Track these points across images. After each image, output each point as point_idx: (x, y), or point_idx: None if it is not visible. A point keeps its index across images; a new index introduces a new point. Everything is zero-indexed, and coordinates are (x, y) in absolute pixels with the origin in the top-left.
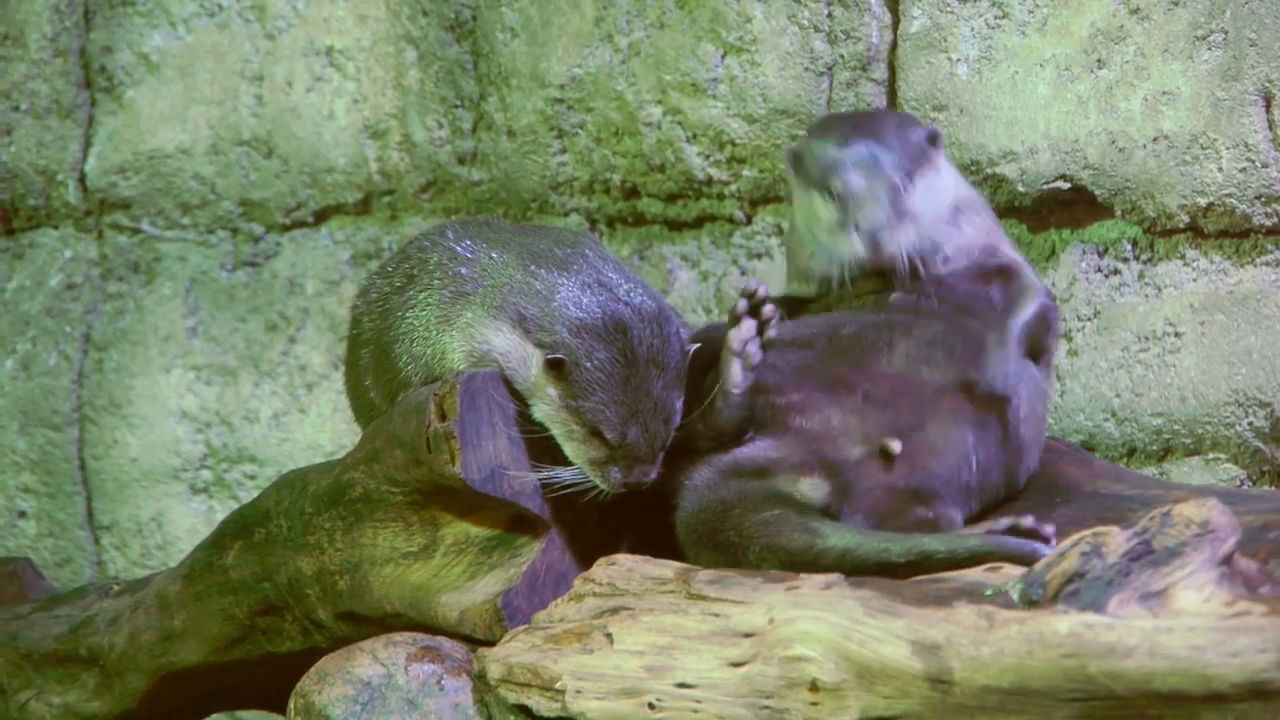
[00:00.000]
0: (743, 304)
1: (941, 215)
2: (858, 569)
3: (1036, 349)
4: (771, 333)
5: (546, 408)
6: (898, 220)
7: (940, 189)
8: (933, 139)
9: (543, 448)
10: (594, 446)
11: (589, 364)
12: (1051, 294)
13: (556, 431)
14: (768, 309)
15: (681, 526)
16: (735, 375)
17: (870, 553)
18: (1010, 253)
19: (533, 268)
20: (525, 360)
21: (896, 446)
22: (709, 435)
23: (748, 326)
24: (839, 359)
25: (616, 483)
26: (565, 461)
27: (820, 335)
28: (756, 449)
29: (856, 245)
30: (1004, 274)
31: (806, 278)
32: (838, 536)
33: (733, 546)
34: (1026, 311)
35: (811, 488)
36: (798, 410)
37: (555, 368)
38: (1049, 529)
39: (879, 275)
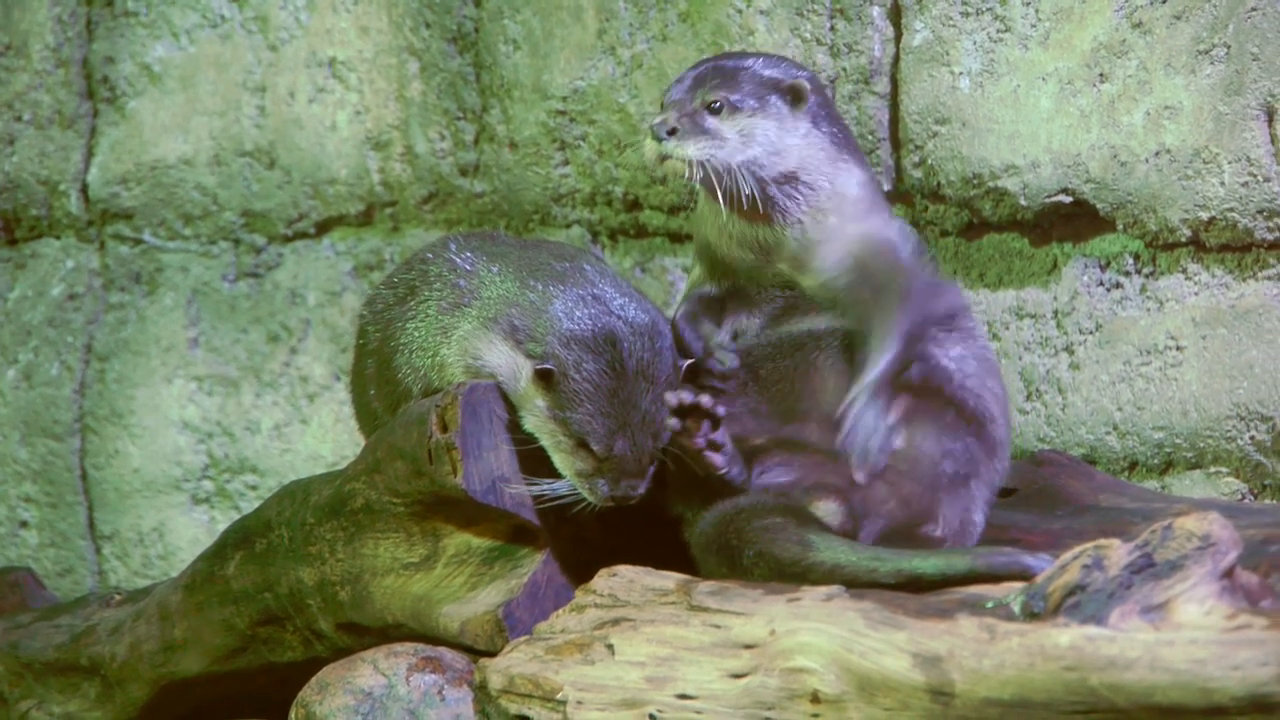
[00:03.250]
0: (674, 423)
1: (773, 168)
2: (847, 585)
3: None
4: (720, 410)
5: (535, 419)
6: (691, 131)
7: (775, 144)
8: (794, 94)
9: (541, 459)
10: (581, 458)
11: (577, 375)
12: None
13: (545, 443)
14: (705, 400)
15: (696, 536)
16: (717, 463)
17: (859, 571)
18: (885, 233)
19: (529, 280)
20: (516, 371)
21: (859, 477)
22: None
23: (702, 430)
24: (780, 396)
25: (604, 495)
26: (559, 474)
27: (748, 380)
28: (772, 475)
29: (647, 146)
30: (878, 266)
31: (700, 255)
32: (829, 551)
33: (731, 550)
34: (893, 329)
35: (826, 513)
36: (787, 444)
37: (544, 378)
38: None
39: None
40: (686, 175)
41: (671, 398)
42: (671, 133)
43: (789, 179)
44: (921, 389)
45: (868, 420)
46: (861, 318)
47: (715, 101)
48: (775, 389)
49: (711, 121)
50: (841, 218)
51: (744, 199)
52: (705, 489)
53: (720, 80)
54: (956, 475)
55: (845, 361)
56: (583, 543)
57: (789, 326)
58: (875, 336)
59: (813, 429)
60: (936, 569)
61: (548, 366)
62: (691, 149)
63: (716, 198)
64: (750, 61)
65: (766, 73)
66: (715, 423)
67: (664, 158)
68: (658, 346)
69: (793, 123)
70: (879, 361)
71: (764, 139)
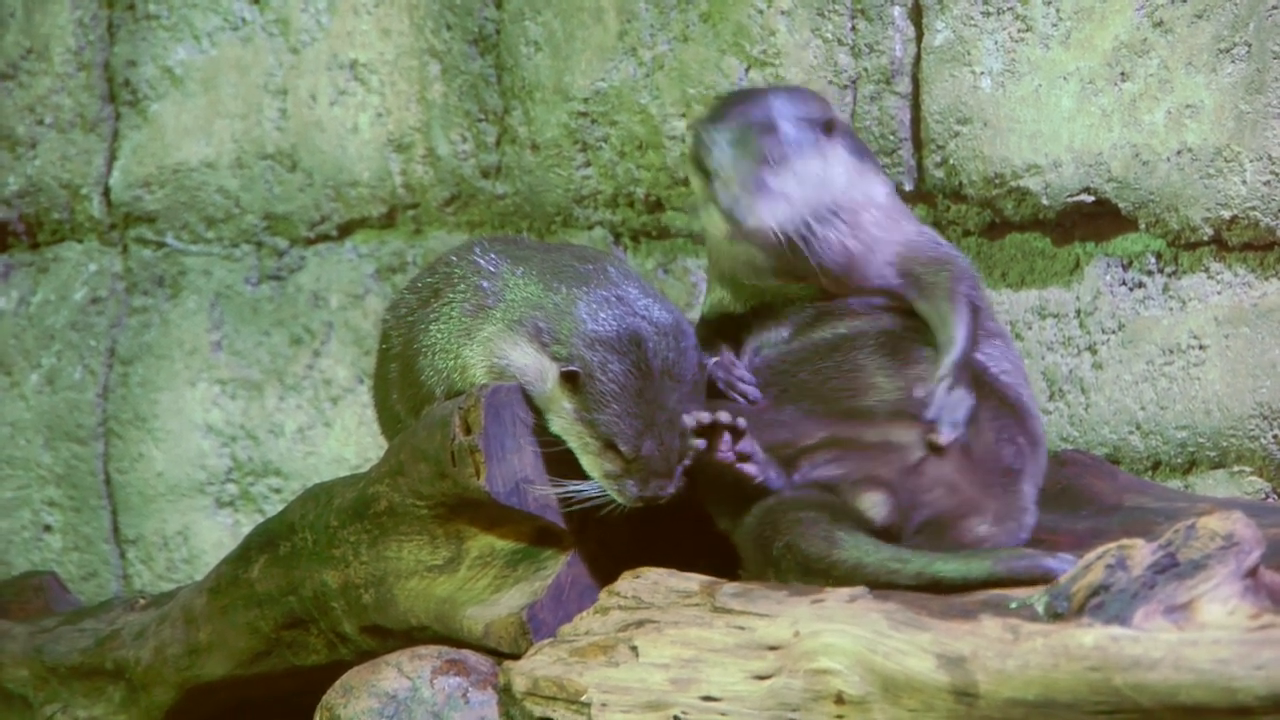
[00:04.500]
0: (699, 443)
1: (822, 204)
2: (868, 585)
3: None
4: (741, 423)
5: (562, 421)
6: (761, 197)
7: (823, 179)
8: (827, 127)
9: (567, 461)
10: (609, 459)
11: (603, 376)
12: (968, 265)
13: (573, 445)
14: (723, 417)
15: (743, 531)
16: (750, 472)
17: (879, 571)
18: (922, 233)
19: (553, 282)
20: (542, 373)
21: (943, 437)
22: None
23: (724, 444)
24: (827, 397)
25: (633, 496)
26: (586, 475)
27: (788, 389)
28: (823, 470)
29: (718, 220)
30: (926, 276)
31: (721, 281)
32: (853, 550)
33: (765, 540)
34: (960, 311)
35: (872, 505)
36: (841, 442)
37: (570, 380)
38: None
39: (787, 273)
40: (760, 241)
41: (689, 419)
42: (746, 205)
43: (833, 210)
44: (979, 382)
45: (956, 395)
46: (923, 310)
47: (772, 154)
48: (821, 391)
49: (770, 179)
50: (881, 230)
51: (797, 239)
52: (745, 498)
53: (761, 134)
54: (1010, 469)
55: (888, 358)
56: (606, 544)
57: (820, 333)
58: (944, 320)
59: (874, 423)
60: (957, 572)
61: (574, 369)
62: (766, 216)
63: (772, 246)
64: (775, 102)
65: (797, 110)
66: (737, 435)
67: (734, 231)
68: (682, 346)
69: (830, 151)
70: (957, 339)
71: (814, 179)
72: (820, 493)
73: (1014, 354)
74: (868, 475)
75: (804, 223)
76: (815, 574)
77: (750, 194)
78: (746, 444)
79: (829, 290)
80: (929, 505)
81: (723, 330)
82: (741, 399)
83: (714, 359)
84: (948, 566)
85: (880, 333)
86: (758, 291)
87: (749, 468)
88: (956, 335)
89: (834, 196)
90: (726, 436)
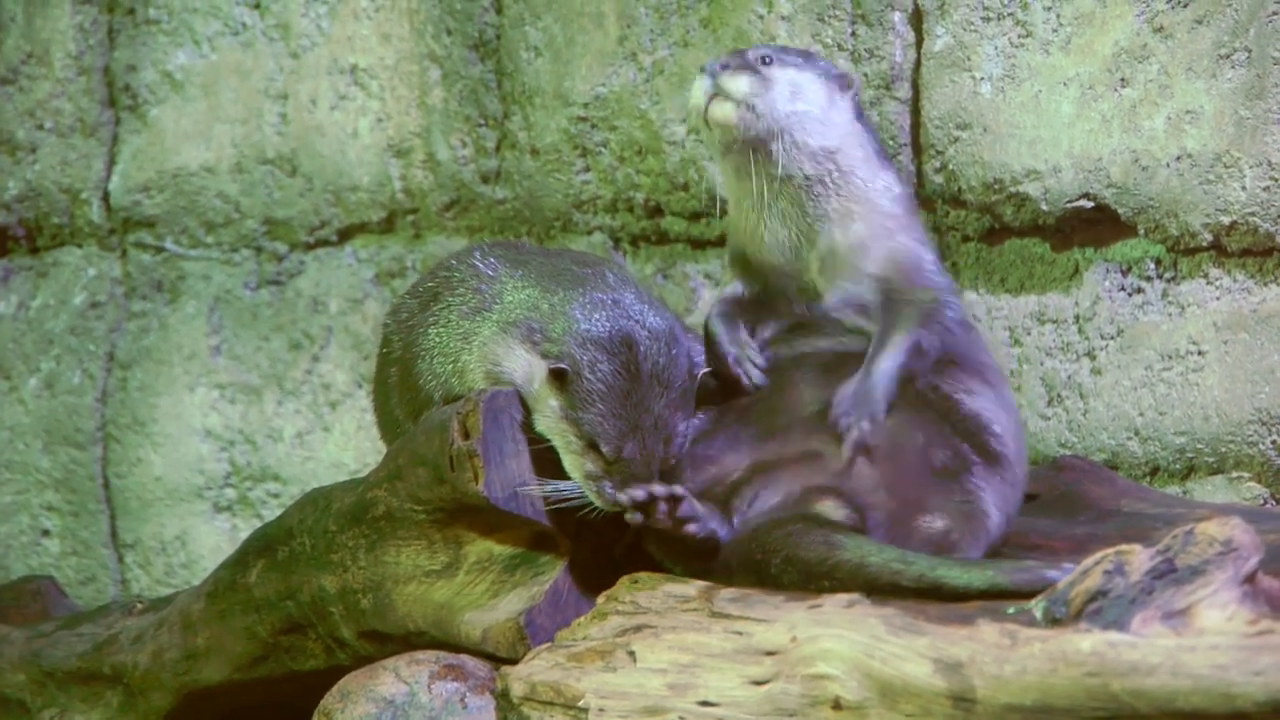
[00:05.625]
0: (637, 517)
1: (807, 127)
2: (870, 587)
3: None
4: (679, 490)
5: (547, 420)
6: (742, 69)
7: (821, 104)
8: (841, 79)
9: (553, 462)
10: (591, 460)
11: (591, 375)
12: (949, 292)
13: (557, 443)
14: (657, 490)
15: (718, 570)
16: (691, 531)
17: (883, 571)
18: (917, 252)
19: (550, 285)
20: (531, 373)
21: (847, 438)
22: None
23: (661, 512)
24: (758, 418)
25: (610, 499)
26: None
27: (726, 415)
28: (761, 501)
29: (697, 92)
30: (899, 303)
31: (736, 260)
32: (856, 550)
33: (757, 564)
34: (899, 344)
35: (832, 510)
36: (764, 465)
37: (558, 378)
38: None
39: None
40: (734, 119)
41: (624, 497)
42: (724, 68)
43: (829, 155)
44: (915, 398)
45: (863, 395)
46: (878, 330)
47: (766, 56)
48: (753, 412)
49: (762, 68)
50: (871, 230)
51: (780, 163)
52: (698, 551)
53: (769, 50)
54: (945, 468)
55: (822, 374)
56: (604, 549)
57: (785, 350)
58: (881, 345)
59: (791, 437)
60: (959, 579)
61: (562, 366)
62: (744, 84)
63: (749, 165)
64: (795, 49)
65: (815, 58)
66: (675, 501)
67: (712, 96)
68: (674, 352)
69: (841, 102)
70: (884, 358)
71: (813, 99)
72: (787, 510)
73: (1000, 394)
74: (807, 487)
75: (784, 131)
76: (817, 579)
77: (732, 63)
78: (686, 507)
79: (819, 284)
80: (878, 507)
81: (741, 309)
82: (746, 378)
83: (730, 330)
84: (951, 572)
85: (832, 353)
86: (763, 274)
87: (691, 528)
88: (881, 356)
89: (832, 143)
90: (663, 505)
